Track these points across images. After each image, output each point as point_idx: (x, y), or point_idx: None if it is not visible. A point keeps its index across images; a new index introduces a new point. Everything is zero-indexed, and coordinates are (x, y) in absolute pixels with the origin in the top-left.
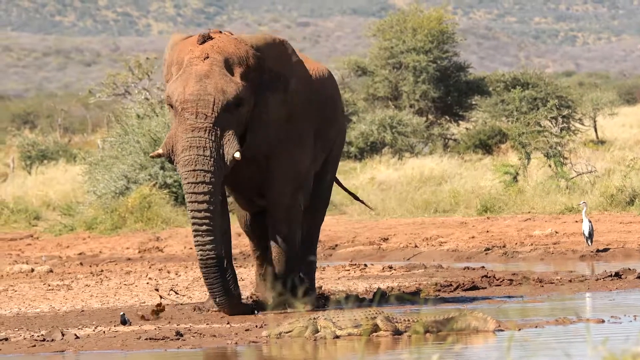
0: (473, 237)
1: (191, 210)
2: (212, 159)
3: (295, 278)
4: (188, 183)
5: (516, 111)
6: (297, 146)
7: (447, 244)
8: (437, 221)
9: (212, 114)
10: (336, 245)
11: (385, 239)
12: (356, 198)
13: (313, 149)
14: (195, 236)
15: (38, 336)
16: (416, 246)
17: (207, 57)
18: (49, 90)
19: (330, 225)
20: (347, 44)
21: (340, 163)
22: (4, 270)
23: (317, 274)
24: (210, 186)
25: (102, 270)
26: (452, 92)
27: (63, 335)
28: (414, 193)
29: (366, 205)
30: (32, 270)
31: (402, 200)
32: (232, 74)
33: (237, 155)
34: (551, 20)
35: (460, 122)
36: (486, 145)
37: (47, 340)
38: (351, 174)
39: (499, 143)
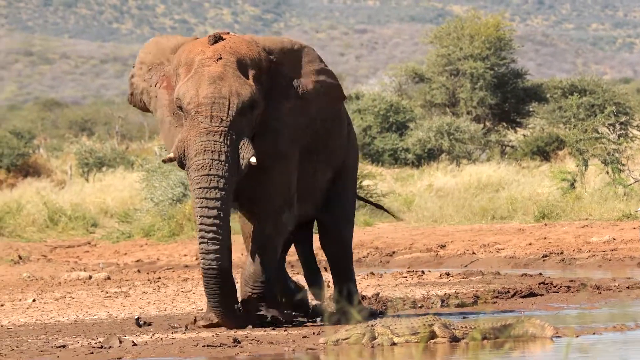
0: (530, 244)
1: (200, 216)
2: (227, 165)
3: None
4: (200, 188)
5: (573, 118)
6: (293, 158)
7: (505, 251)
8: (494, 228)
9: (227, 117)
10: (393, 252)
11: (443, 246)
12: (381, 208)
13: (312, 163)
14: (200, 243)
15: (95, 343)
16: (473, 253)
17: (220, 58)
18: (106, 98)
19: (388, 232)
20: (404, 51)
21: (397, 170)
22: (62, 278)
23: (374, 281)
24: (223, 192)
25: (159, 278)
26: (509, 98)
27: (120, 342)
28: (471, 200)
29: (393, 215)
30: (90, 277)
31: (459, 207)
32: (246, 76)
33: (254, 160)
34: (609, 27)
35: (518, 128)
36: (544, 152)
37: (105, 347)
38: (408, 180)
39: (556, 150)
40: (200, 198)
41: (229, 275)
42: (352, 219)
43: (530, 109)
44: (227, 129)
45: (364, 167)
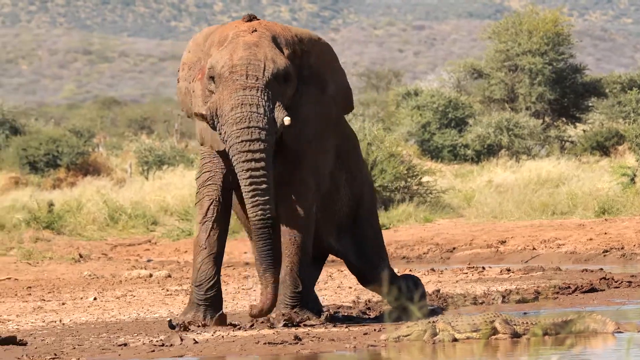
0: (591, 239)
1: (248, 170)
2: (266, 118)
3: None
4: (242, 141)
5: (633, 112)
6: (321, 153)
7: (565, 246)
8: (554, 223)
9: (262, 77)
10: (454, 249)
11: (503, 242)
12: None
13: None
14: (253, 196)
15: (157, 341)
16: (534, 249)
17: (255, 31)
18: (165, 96)
19: (448, 229)
20: (462, 47)
21: (457, 166)
22: (123, 276)
23: (435, 277)
24: (266, 144)
25: None
26: (568, 94)
27: (182, 340)
28: (531, 195)
29: None
30: (151, 275)
31: (519, 203)
32: (281, 52)
33: (287, 120)
34: None
35: (577, 124)
36: (603, 147)
37: (166, 345)
38: (468, 176)
39: (616, 145)
40: (245, 152)
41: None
42: (379, 230)
43: (590, 104)
44: (263, 86)
45: (424, 163)
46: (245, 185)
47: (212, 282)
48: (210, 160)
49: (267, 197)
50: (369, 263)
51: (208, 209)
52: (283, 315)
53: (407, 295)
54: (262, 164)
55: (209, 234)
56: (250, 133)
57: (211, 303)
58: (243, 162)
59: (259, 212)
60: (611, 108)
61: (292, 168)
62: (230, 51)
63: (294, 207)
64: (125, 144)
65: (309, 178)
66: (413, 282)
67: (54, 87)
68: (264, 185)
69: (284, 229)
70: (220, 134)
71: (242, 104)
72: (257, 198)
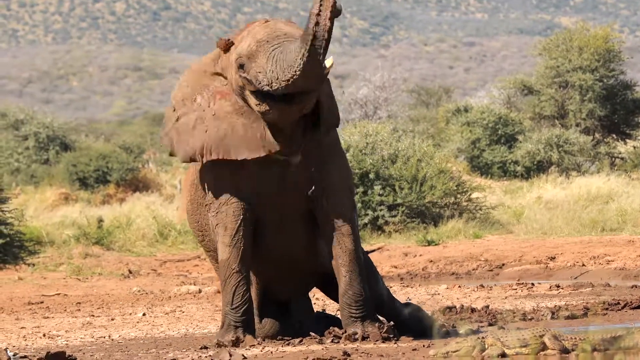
0: None
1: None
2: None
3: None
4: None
5: None
6: (343, 158)
7: (615, 263)
8: (604, 240)
9: (293, 34)
10: (503, 265)
11: (553, 258)
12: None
13: None
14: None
15: (206, 357)
16: (583, 265)
17: (272, 19)
18: None
19: (497, 245)
20: (513, 63)
21: (506, 182)
22: (172, 292)
23: (484, 293)
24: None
25: None
26: (618, 110)
27: (231, 355)
28: (581, 212)
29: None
30: (200, 291)
31: (569, 219)
32: None
33: (330, 61)
34: None
35: (627, 140)
36: None
37: None
38: (518, 193)
39: None
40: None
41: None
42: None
43: None
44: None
45: (473, 179)
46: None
47: (248, 305)
48: (224, 179)
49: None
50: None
51: (236, 229)
52: (357, 332)
53: None
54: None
55: (240, 254)
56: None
57: (248, 325)
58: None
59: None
60: None
61: (325, 173)
62: (252, 36)
63: (339, 215)
64: (174, 160)
65: (344, 182)
66: None
67: (105, 104)
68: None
69: (333, 239)
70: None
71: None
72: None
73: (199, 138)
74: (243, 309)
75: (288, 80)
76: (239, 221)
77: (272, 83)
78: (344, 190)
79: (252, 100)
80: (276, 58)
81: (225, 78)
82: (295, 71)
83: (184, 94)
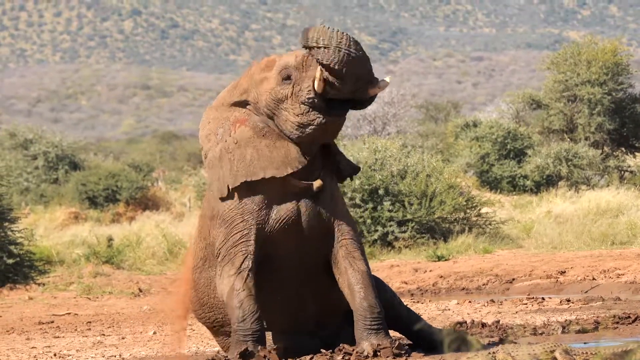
0: None
1: None
2: None
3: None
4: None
5: None
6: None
7: (625, 276)
8: (614, 253)
9: None
10: (513, 279)
11: (563, 272)
12: None
13: None
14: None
15: None
16: (594, 279)
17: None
18: None
19: (507, 259)
20: (521, 78)
21: (516, 197)
22: None
23: (495, 308)
24: None
25: None
26: (627, 123)
27: None
28: (590, 226)
29: None
30: None
31: (579, 233)
32: None
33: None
34: None
35: (637, 153)
36: None
37: None
38: (527, 207)
39: None
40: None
41: None
42: None
43: None
44: None
45: (483, 194)
46: None
47: (256, 316)
48: (243, 219)
49: None
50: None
51: (242, 262)
52: (379, 345)
53: None
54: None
55: (245, 280)
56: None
57: (258, 338)
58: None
59: None
60: None
61: (334, 205)
62: (293, 53)
63: (350, 242)
64: (184, 178)
65: (348, 213)
66: None
67: (113, 122)
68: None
69: (345, 262)
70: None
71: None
72: None
73: (227, 168)
74: (252, 320)
75: (351, 52)
76: (245, 257)
77: (340, 58)
78: (350, 219)
79: (294, 112)
80: (337, 42)
81: (243, 105)
82: (357, 46)
83: (207, 130)
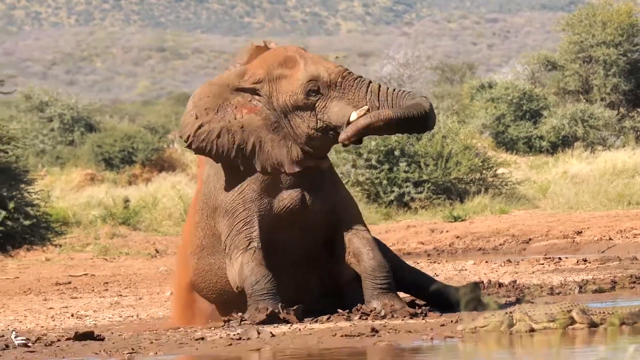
0: None
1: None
2: None
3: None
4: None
5: None
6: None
7: None
8: (630, 214)
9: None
10: (530, 240)
11: (579, 232)
12: None
13: None
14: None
15: (234, 335)
16: (610, 239)
17: (306, 50)
18: None
19: (524, 220)
20: (536, 39)
21: (532, 157)
22: None
23: (511, 268)
24: None
25: None
26: None
27: (259, 333)
28: (607, 186)
29: None
30: None
31: (595, 194)
32: None
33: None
34: None
35: None
36: None
37: (243, 339)
38: (543, 168)
39: None
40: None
41: None
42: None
43: None
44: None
45: (498, 155)
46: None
47: (269, 278)
48: (245, 208)
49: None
50: None
51: (248, 244)
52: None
53: None
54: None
55: (253, 254)
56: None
57: (274, 296)
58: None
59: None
60: None
61: (335, 190)
62: (319, 62)
63: (355, 222)
64: None
65: (352, 198)
66: None
67: (128, 84)
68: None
69: (352, 238)
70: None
71: (387, 86)
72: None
73: (226, 147)
74: (266, 281)
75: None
76: (254, 241)
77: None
78: (353, 203)
79: (310, 124)
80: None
81: (252, 93)
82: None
83: (206, 103)
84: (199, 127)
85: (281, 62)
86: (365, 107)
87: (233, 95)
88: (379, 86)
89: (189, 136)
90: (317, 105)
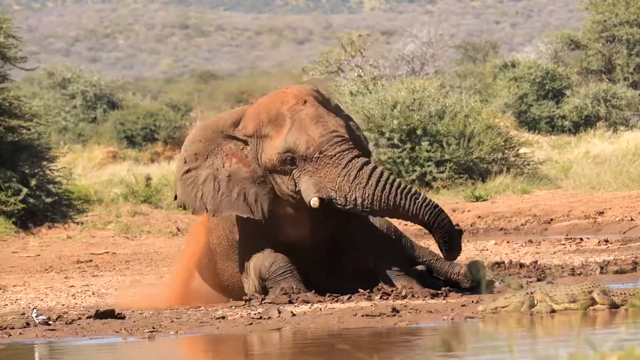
0: None
1: (428, 209)
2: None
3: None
4: (401, 192)
5: None
6: None
7: None
8: None
9: (349, 143)
10: (551, 220)
11: (601, 213)
12: None
13: None
14: (438, 216)
15: (255, 314)
16: (632, 219)
17: (306, 101)
18: (262, 69)
19: (546, 200)
20: (559, 18)
21: (554, 137)
22: None
23: (533, 248)
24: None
25: None
26: None
27: (279, 312)
28: (629, 166)
29: None
30: None
31: (617, 174)
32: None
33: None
34: None
35: None
36: None
37: (264, 318)
38: (565, 148)
39: None
40: (410, 197)
41: None
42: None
43: None
44: (353, 147)
45: (521, 134)
46: (429, 218)
47: (285, 259)
48: (255, 241)
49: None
50: None
51: (260, 255)
52: (410, 288)
53: None
54: (427, 198)
55: (267, 254)
56: (398, 183)
57: (293, 274)
58: (423, 206)
59: (448, 226)
60: None
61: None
62: (303, 130)
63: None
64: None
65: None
66: None
67: (151, 62)
68: (439, 208)
69: (374, 232)
70: (342, 201)
71: (364, 165)
72: (443, 215)
73: (209, 193)
74: (282, 261)
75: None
76: (266, 250)
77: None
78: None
79: (289, 187)
80: (379, 181)
81: (244, 143)
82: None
83: (197, 148)
84: (187, 171)
85: (272, 118)
86: (317, 200)
87: (226, 141)
88: (361, 167)
89: (176, 180)
90: (293, 172)
